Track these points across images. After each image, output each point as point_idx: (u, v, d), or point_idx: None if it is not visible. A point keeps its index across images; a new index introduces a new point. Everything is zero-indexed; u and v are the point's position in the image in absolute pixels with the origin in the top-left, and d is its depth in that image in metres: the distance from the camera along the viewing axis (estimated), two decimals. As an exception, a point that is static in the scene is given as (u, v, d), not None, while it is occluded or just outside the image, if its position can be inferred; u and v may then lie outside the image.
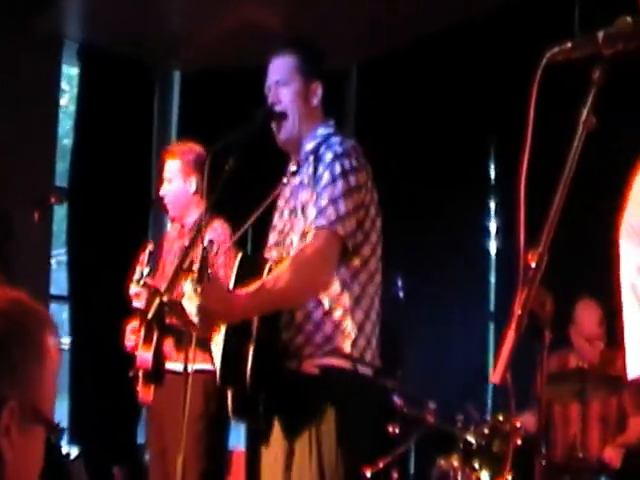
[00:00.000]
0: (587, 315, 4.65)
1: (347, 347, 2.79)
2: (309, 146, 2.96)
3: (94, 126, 6.86)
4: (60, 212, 6.76)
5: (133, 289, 3.95)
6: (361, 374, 2.84)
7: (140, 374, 3.96)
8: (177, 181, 4.20)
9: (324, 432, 2.74)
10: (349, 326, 2.80)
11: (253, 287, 2.68)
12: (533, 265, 1.85)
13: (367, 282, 2.87)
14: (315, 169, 2.84)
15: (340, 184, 2.78)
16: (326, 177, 2.79)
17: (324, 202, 2.76)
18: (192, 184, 4.15)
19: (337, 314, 2.80)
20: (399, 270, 4.93)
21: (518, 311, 1.83)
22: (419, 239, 6.15)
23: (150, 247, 4.07)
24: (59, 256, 7.27)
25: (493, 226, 6.27)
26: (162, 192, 4.27)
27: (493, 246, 6.20)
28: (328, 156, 2.83)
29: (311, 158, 2.89)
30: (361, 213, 2.82)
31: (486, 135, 6.38)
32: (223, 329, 2.76)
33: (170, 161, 4.25)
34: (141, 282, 3.93)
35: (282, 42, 3.13)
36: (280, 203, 3.10)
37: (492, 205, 6.34)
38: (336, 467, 2.73)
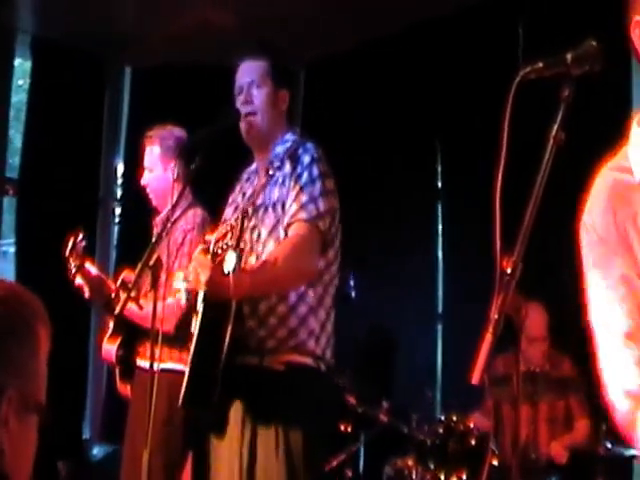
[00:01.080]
0: (532, 316, 4.76)
1: (311, 344, 2.89)
2: (279, 149, 3.05)
3: (45, 119, 6.81)
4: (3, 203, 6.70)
5: (77, 281, 3.94)
6: (322, 371, 2.94)
7: (117, 370, 3.96)
8: (158, 169, 4.10)
9: (291, 427, 2.81)
10: (313, 323, 2.90)
11: (256, 266, 2.75)
12: (509, 271, 1.93)
13: (329, 283, 2.99)
14: (293, 169, 2.93)
15: (319, 185, 2.90)
16: (305, 177, 2.90)
17: (305, 199, 2.86)
18: (174, 170, 3.96)
19: (302, 310, 2.89)
20: (350, 270, 5.00)
21: (494, 315, 1.90)
22: (368, 239, 6.24)
23: (76, 237, 3.99)
24: (1, 247, 7.23)
25: (440, 230, 6.38)
26: (143, 181, 4.17)
27: (440, 249, 6.31)
28: (306, 158, 2.94)
29: (287, 159, 2.98)
30: (331, 216, 2.92)
31: (433, 139, 6.48)
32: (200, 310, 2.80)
33: (150, 148, 4.14)
34: (74, 271, 3.92)
35: (254, 45, 3.21)
36: (237, 199, 3.18)
37: (439, 209, 6.44)
38: (304, 464, 2.80)
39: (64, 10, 6.44)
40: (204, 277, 2.61)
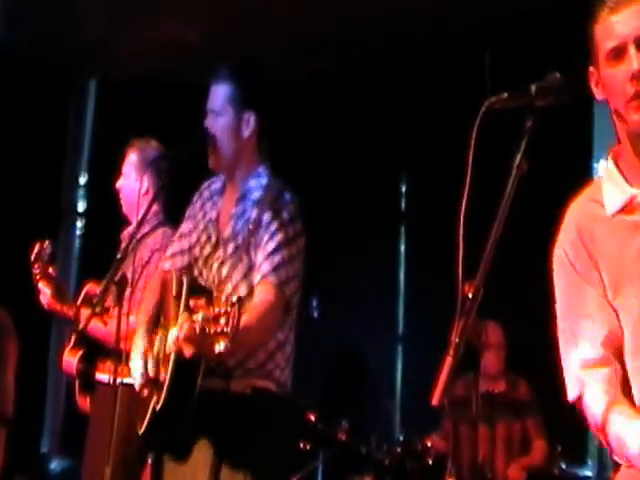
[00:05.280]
0: (489, 328, 4.84)
1: (277, 373, 2.95)
2: (253, 183, 3.02)
3: (9, 130, 6.79)
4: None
5: (40, 285, 3.96)
6: (284, 397, 2.99)
7: (76, 383, 3.96)
8: (130, 177, 4.09)
9: (256, 450, 2.83)
10: (280, 358, 2.96)
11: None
12: (470, 296, 1.98)
13: (293, 323, 3.02)
14: (270, 221, 2.90)
15: (292, 248, 2.88)
16: (282, 237, 2.87)
17: (278, 260, 2.85)
18: (144, 184, 3.98)
19: (271, 345, 2.94)
20: (314, 290, 5.05)
21: (456, 339, 1.95)
22: (332, 260, 6.29)
23: (42, 245, 3.99)
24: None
25: (403, 252, 6.47)
26: (118, 185, 4.16)
27: (402, 271, 6.40)
28: (285, 216, 2.91)
29: (266, 207, 2.95)
30: (298, 278, 2.94)
31: (399, 163, 6.58)
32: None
33: (130, 154, 4.12)
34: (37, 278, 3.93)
35: (226, 65, 3.13)
36: (197, 215, 3.14)
37: (402, 231, 6.53)
38: None
39: (30, 21, 6.45)
40: (188, 353, 2.58)
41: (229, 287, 2.94)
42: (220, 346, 2.49)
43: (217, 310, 2.51)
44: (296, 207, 2.96)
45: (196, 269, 3.07)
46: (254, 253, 2.92)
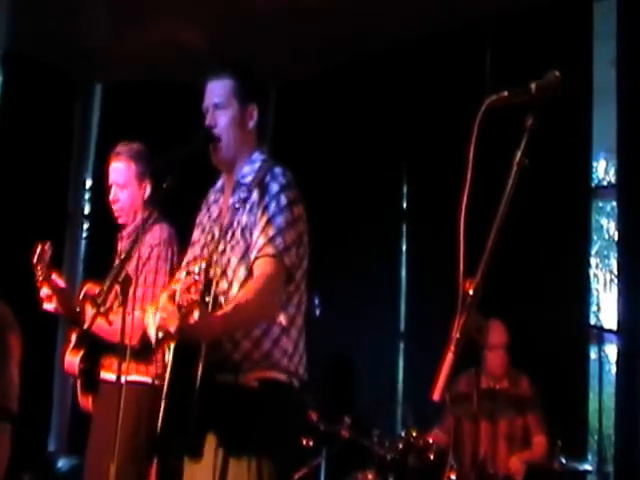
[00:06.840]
0: (493, 328, 4.87)
1: (284, 362, 2.94)
2: (247, 169, 3.07)
3: (15, 134, 6.85)
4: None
5: (43, 292, 3.93)
6: (294, 386, 2.98)
7: (78, 382, 3.97)
8: (132, 186, 4.05)
9: (263, 444, 2.85)
10: (286, 343, 2.94)
11: (228, 310, 2.78)
12: (471, 292, 2.02)
13: (299, 303, 3.02)
14: (261, 197, 2.95)
15: (287, 215, 2.91)
16: (273, 207, 2.92)
17: (272, 232, 2.88)
18: (148, 189, 4.01)
19: (275, 332, 2.93)
20: (316, 288, 5.09)
21: (456, 335, 1.99)
22: (334, 258, 6.33)
23: (43, 247, 3.95)
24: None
25: (404, 250, 6.51)
26: (114, 197, 4.08)
27: (404, 269, 6.44)
28: (274, 187, 2.95)
29: (255, 186, 2.99)
30: (298, 244, 2.96)
31: (400, 161, 6.61)
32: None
33: (124, 164, 4.07)
34: (41, 281, 3.90)
35: (220, 63, 3.19)
36: (203, 220, 3.19)
37: (404, 229, 6.57)
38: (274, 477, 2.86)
39: (35, 26, 6.49)
40: (173, 328, 2.62)
41: (230, 272, 2.96)
42: (194, 316, 2.55)
43: (188, 281, 2.59)
44: (288, 178, 2.99)
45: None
46: (249, 234, 2.94)
